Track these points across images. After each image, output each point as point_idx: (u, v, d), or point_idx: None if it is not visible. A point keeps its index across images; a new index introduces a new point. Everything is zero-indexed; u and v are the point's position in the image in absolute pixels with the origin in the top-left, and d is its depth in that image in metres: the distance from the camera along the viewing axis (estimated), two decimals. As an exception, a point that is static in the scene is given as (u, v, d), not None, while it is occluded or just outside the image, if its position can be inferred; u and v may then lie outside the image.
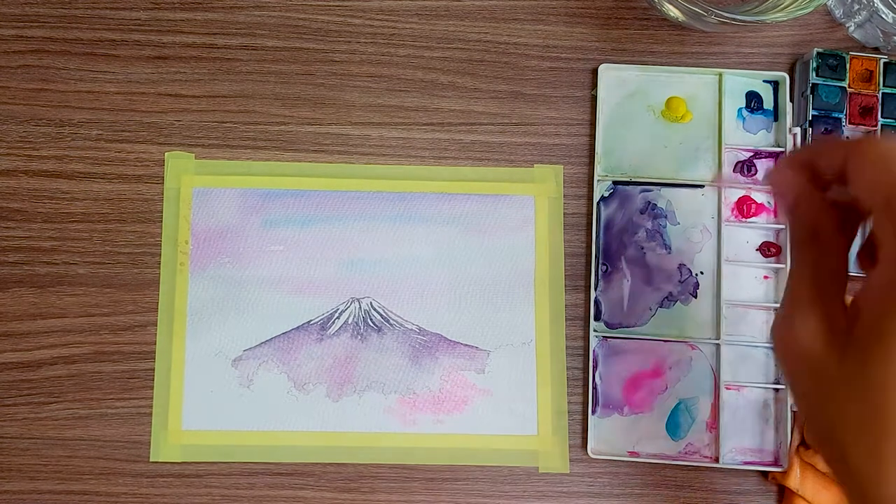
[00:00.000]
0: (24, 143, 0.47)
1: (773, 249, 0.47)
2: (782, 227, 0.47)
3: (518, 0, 0.49)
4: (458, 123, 0.48)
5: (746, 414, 0.46)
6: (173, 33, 0.48)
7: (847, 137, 0.36)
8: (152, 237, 0.47)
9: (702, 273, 0.47)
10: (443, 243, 0.47)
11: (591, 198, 0.48)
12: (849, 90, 0.48)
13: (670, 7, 0.46)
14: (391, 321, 0.46)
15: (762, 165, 0.48)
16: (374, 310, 0.46)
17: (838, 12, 0.49)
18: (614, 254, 0.47)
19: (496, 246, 0.47)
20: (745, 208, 0.48)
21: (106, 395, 0.45)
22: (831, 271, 0.32)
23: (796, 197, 0.33)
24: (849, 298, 0.32)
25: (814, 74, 0.47)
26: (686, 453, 0.45)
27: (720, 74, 0.48)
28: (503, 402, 0.46)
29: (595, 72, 0.48)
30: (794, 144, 0.48)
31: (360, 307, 0.46)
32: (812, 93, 0.47)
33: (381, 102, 0.48)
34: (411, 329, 0.46)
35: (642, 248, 0.47)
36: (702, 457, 0.45)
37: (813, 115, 0.47)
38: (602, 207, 0.48)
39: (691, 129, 0.48)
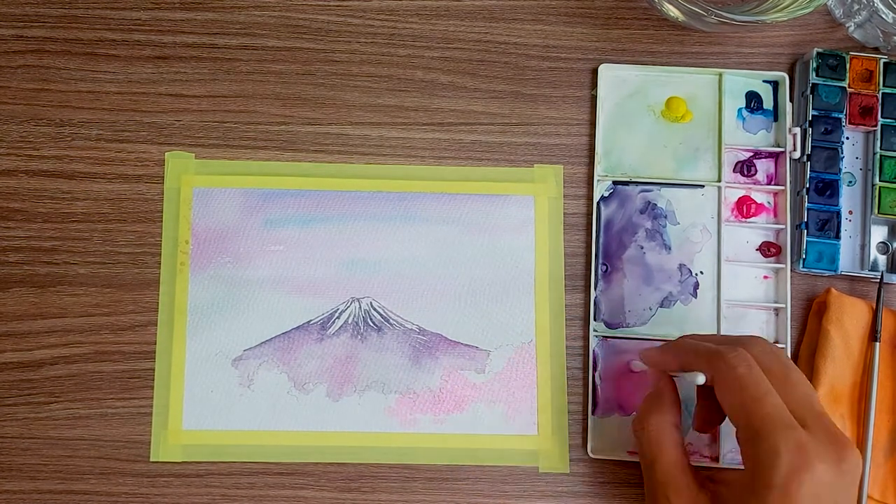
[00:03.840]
0: (24, 143, 0.47)
1: (773, 249, 0.47)
2: (782, 226, 0.47)
3: (518, 0, 0.49)
4: (458, 123, 0.48)
5: (746, 414, 0.46)
6: (173, 33, 0.48)
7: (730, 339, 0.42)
8: (152, 237, 0.47)
9: (702, 273, 0.47)
10: (443, 243, 0.47)
11: (591, 198, 0.48)
12: (849, 90, 0.48)
13: (670, 7, 0.46)
14: (391, 321, 0.46)
15: (762, 165, 0.48)
16: (375, 310, 0.46)
17: (838, 12, 0.49)
18: (614, 254, 0.47)
19: (496, 246, 0.47)
20: (744, 208, 0.48)
21: (106, 394, 0.45)
22: (671, 461, 0.39)
23: (658, 391, 0.41)
24: None
25: (814, 74, 0.47)
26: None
27: (720, 74, 0.48)
28: (503, 402, 0.46)
29: (595, 72, 0.48)
30: (794, 144, 0.48)
31: (361, 307, 0.46)
32: (812, 93, 0.47)
33: (381, 102, 0.48)
34: (411, 329, 0.46)
35: (642, 248, 0.47)
36: (702, 457, 0.45)
37: (813, 115, 0.47)
38: (602, 207, 0.48)
39: (691, 129, 0.48)
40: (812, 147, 0.47)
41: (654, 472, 0.39)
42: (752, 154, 0.48)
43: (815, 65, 0.47)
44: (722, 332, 0.46)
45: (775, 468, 0.34)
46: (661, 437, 0.40)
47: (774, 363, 0.37)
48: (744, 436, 0.36)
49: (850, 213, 0.48)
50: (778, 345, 0.46)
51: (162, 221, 0.47)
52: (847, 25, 0.49)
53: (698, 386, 0.39)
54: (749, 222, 0.48)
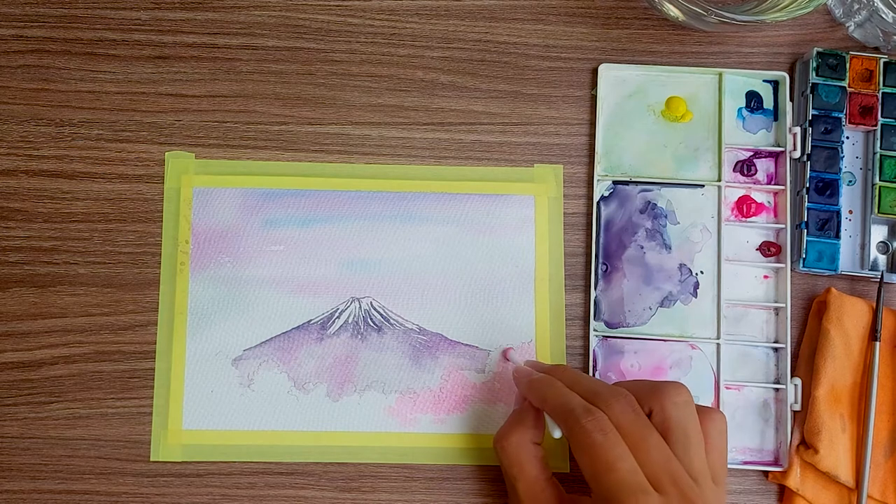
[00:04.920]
0: (24, 143, 0.47)
1: (773, 249, 0.47)
2: (782, 226, 0.47)
3: (518, 0, 0.49)
4: (458, 123, 0.48)
5: (746, 414, 0.46)
6: (173, 33, 0.48)
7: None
8: (152, 237, 0.47)
9: (702, 273, 0.47)
10: (443, 243, 0.47)
11: (591, 197, 0.48)
12: (849, 90, 0.48)
13: (670, 7, 0.46)
14: (391, 321, 0.46)
15: (762, 165, 0.48)
16: (375, 309, 0.46)
17: (838, 12, 0.49)
18: (614, 253, 0.47)
19: (496, 246, 0.47)
20: (745, 208, 0.48)
21: (106, 394, 0.45)
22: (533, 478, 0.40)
23: (521, 409, 0.42)
24: None
25: (814, 74, 0.47)
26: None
27: (720, 74, 0.48)
28: (503, 402, 0.46)
29: (595, 72, 0.48)
30: (794, 144, 0.48)
31: (361, 307, 0.46)
32: (812, 92, 0.47)
33: (381, 102, 0.48)
34: (411, 328, 0.46)
35: (642, 248, 0.47)
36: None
37: (813, 115, 0.47)
38: (602, 207, 0.48)
39: (691, 128, 0.48)
40: (812, 147, 0.47)
41: (516, 491, 0.40)
42: (752, 154, 0.48)
43: (815, 64, 0.47)
44: (722, 332, 0.46)
45: None
46: (521, 454, 0.40)
47: (634, 424, 0.37)
48: (596, 500, 0.36)
49: (850, 212, 0.48)
50: (778, 344, 0.46)
51: (162, 221, 0.47)
52: (847, 25, 0.49)
53: None
54: (749, 222, 0.48)
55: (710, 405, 0.46)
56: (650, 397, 0.38)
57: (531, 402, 0.41)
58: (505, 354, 0.46)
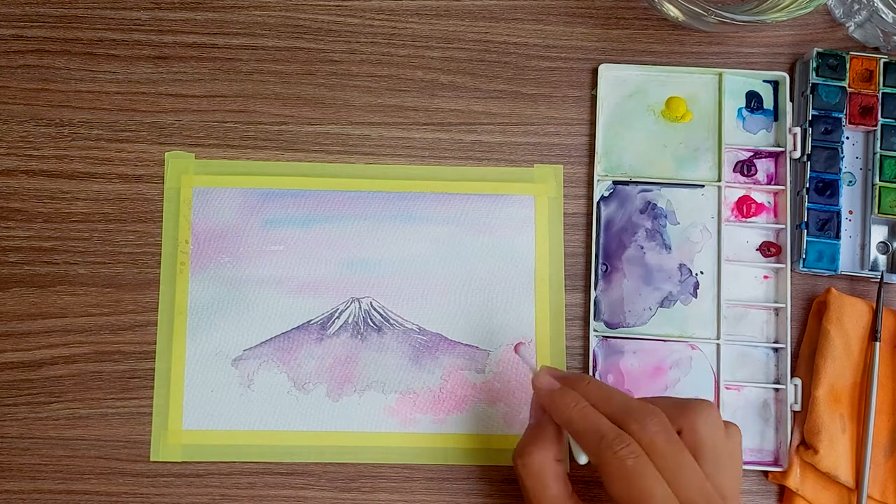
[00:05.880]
0: (24, 143, 0.47)
1: (773, 249, 0.47)
2: (782, 226, 0.47)
3: (518, 0, 0.49)
4: (458, 123, 0.48)
5: (746, 414, 0.46)
6: (173, 33, 0.48)
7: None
8: (152, 237, 0.47)
9: (702, 273, 0.47)
10: (443, 243, 0.47)
11: (591, 198, 0.48)
12: (849, 90, 0.48)
13: (670, 7, 0.46)
14: (391, 321, 0.46)
15: (762, 165, 0.48)
16: (375, 309, 0.46)
17: (838, 12, 0.49)
18: (614, 253, 0.47)
19: (496, 246, 0.47)
20: (745, 208, 0.48)
21: (106, 394, 0.45)
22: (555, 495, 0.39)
23: (539, 423, 0.40)
24: None
25: (814, 74, 0.47)
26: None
27: (720, 74, 0.48)
28: (503, 402, 0.46)
29: (595, 72, 0.48)
30: (794, 144, 0.48)
31: (361, 307, 0.46)
32: (812, 92, 0.47)
33: (381, 102, 0.48)
34: (411, 329, 0.46)
35: (642, 248, 0.47)
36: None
37: (813, 115, 0.47)
38: (602, 207, 0.48)
39: (691, 129, 0.48)
40: (812, 147, 0.47)
41: None
42: (752, 154, 0.48)
43: (815, 65, 0.47)
44: (722, 332, 0.46)
45: None
46: (544, 472, 0.39)
47: (668, 445, 0.36)
48: None
49: (850, 212, 0.48)
50: (778, 344, 0.46)
51: (162, 221, 0.47)
52: (847, 25, 0.49)
53: None
54: (749, 222, 0.48)
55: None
56: (680, 416, 0.37)
57: (556, 420, 0.39)
58: (515, 349, 0.45)
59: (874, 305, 0.46)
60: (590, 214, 0.48)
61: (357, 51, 0.49)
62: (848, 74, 0.48)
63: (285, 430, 0.45)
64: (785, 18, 0.45)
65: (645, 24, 0.49)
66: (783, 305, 0.46)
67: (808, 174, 0.47)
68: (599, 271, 0.47)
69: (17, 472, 0.45)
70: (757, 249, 0.48)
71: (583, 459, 0.38)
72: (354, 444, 0.45)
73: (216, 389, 0.45)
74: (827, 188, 0.47)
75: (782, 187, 0.47)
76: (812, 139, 0.47)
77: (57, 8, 0.48)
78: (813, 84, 0.47)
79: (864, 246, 0.47)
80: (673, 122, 0.48)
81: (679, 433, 0.37)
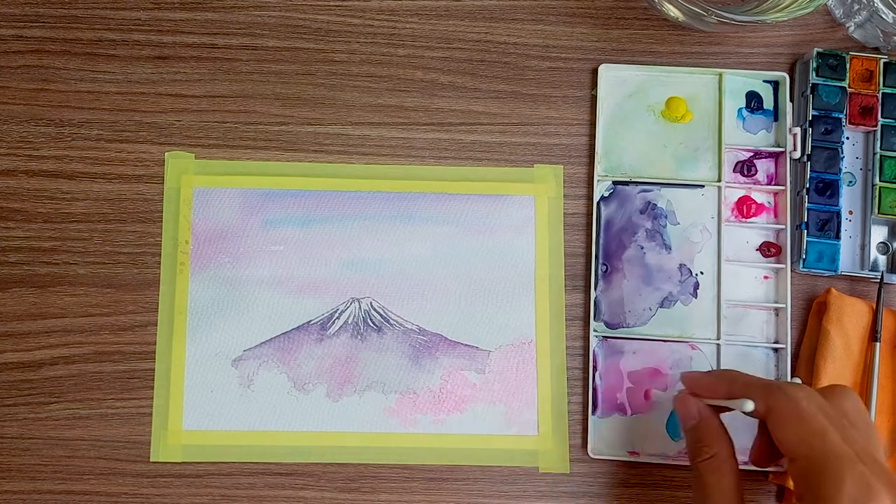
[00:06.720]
0: (24, 143, 0.47)
1: (773, 249, 0.47)
2: (782, 226, 0.47)
3: (518, 0, 0.49)
4: (458, 123, 0.48)
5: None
6: (173, 33, 0.48)
7: (773, 379, 0.43)
8: (152, 237, 0.47)
9: (702, 273, 0.47)
10: (443, 243, 0.47)
11: (591, 198, 0.48)
12: (849, 90, 0.48)
13: (670, 7, 0.46)
14: (391, 321, 0.46)
15: (762, 165, 0.48)
16: (374, 310, 0.46)
17: (838, 12, 0.49)
18: (614, 254, 0.47)
19: (496, 246, 0.47)
20: (745, 208, 0.48)
21: (106, 395, 0.45)
22: (726, 489, 0.39)
23: (699, 422, 0.41)
24: None
25: (814, 74, 0.47)
26: (686, 453, 0.45)
27: (720, 74, 0.48)
28: (503, 402, 0.46)
29: (595, 72, 0.48)
30: (795, 144, 0.48)
31: (360, 307, 0.46)
32: (812, 93, 0.47)
33: (381, 102, 0.48)
34: (411, 329, 0.46)
35: (642, 248, 0.47)
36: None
37: (813, 115, 0.47)
38: (602, 207, 0.48)
39: (691, 129, 0.48)
40: (812, 147, 0.47)
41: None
42: (752, 154, 0.48)
43: (815, 65, 0.47)
44: (722, 332, 0.46)
45: (840, 498, 0.34)
46: (723, 465, 0.39)
47: (829, 407, 0.37)
48: (803, 469, 0.36)
49: (850, 213, 0.48)
50: (778, 345, 0.46)
51: (162, 221, 0.47)
52: (847, 25, 0.49)
53: (761, 421, 0.39)
54: (749, 222, 0.48)
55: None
56: (826, 395, 0.38)
57: (714, 397, 0.40)
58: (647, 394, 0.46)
59: (874, 306, 0.46)
60: (590, 214, 0.48)
61: (357, 51, 0.49)
62: (848, 74, 0.48)
63: (285, 431, 0.45)
64: (785, 18, 0.45)
65: (645, 24, 0.49)
66: (783, 306, 0.46)
67: (808, 174, 0.47)
68: (599, 271, 0.47)
69: (17, 472, 0.45)
70: (757, 250, 0.48)
71: (748, 406, 0.38)
72: (354, 444, 0.45)
73: (216, 390, 0.45)
74: (827, 188, 0.47)
75: (782, 187, 0.47)
76: (812, 139, 0.47)
77: (57, 8, 0.48)
78: (813, 84, 0.47)
79: (864, 246, 0.47)
80: (673, 122, 0.48)
81: None
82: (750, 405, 0.38)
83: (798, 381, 0.41)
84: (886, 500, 0.34)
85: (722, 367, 0.46)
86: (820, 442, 0.36)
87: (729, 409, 0.40)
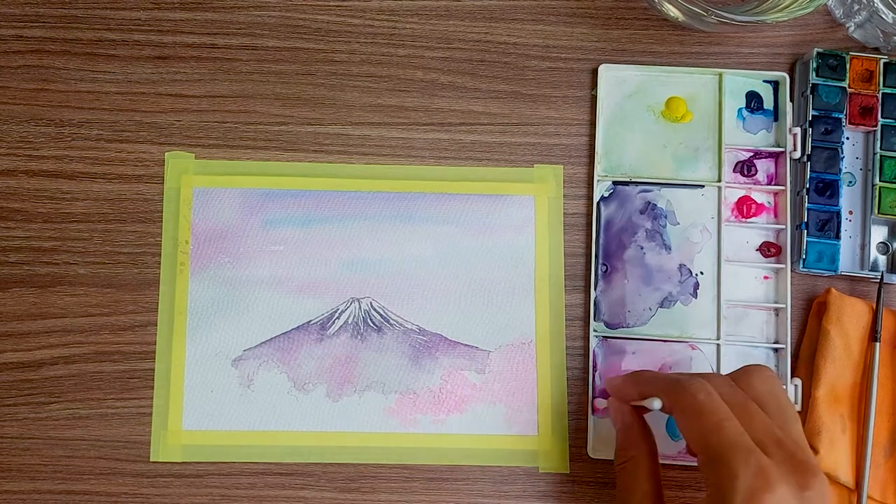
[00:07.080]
0: (24, 143, 0.47)
1: (773, 249, 0.47)
2: (782, 227, 0.47)
3: (518, 0, 0.49)
4: (458, 123, 0.48)
5: (746, 414, 0.46)
6: (173, 33, 0.48)
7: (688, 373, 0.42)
8: (152, 237, 0.47)
9: (702, 273, 0.47)
10: (443, 243, 0.47)
11: (591, 198, 0.48)
12: (849, 90, 0.48)
13: (670, 7, 0.46)
14: (391, 321, 0.46)
15: (762, 165, 0.48)
16: (374, 310, 0.46)
17: (838, 12, 0.49)
18: (614, 254, 0.47)
19: (496, 246, 0.47)
20: (745, 208, 0.48)
21: (106, 395, 0.45)
22: (640, 492, 0.39)
23: (621, 426, 0.42)
24: None
25: (814, 74, 0.47)
26: (686, 453, 0.45)
27: (720, 74, 0.48)
28: (503, 402, 0.46)
29: (595, 72, 0.48)
30: (795, 144, 0.48)
31: (360, 307, 0.46)
32: (812, 93, 0.47)
33: (381, 102, 0.48)
34: (411, 329, 0.46)
35: (642, 248, 0.47)
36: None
37: (813, 115, 0.47)
38: (602, 207, 0.48)
39: (691, 129, 0.48)
40: (812, 147, 0.47)
41: None
42: (752, 154, 0.48)
43: (815, 65, 0.47)
44: (722, 332, 0.46)
45: (735, 491, 0.34)
46: (639, 468, 0.40)
47: (734, 395, 0.37)
48: (703, 461, 0.36)
49: (850, 213, 0.48)
50: (778, 345, 0.46)
51: (162, 221, 0.47)
52: (847, 25, 0.49)
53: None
54: (749, 222, 0.48)
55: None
56: (737, 378, 0.39)
57: (628, 399, 0.41)
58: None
59: (874, 306, 0.46)
60: (590, 215, 0.48)
61: (357, 51, 0.49)
62: (848, 75, 0.48)
63: (285, 431, 0.45)
64: (785, 18, 0.45)
65: (645, 24, 0.49)
66: (783, 306, 0.46)
67: (808, 174, 0.47)
68: (599, 271, 0.47)
69: (17, 472, 0.45)
70: (757, 250, 0.48)
71: (657, 404, 0.39)
72: (354, 444, 0.45)
73: (216, 390, 0.45)
74: (827, 188, 0.47)
75: (782, 187, 0.47)
76: (812, 139, 0.47)
77: (57, 8, 0.48)
78: (813, 84, 0.47)
79: (864, 246, 0.47)
80: (673, 122, 0.48)
81: None
82: (658, 403, 0.39)
83: (770, 369, 0.41)
84: (783, 487, 0.34)
85: (722, 368, 0.46)
86: (715, 436, 0.36)
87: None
